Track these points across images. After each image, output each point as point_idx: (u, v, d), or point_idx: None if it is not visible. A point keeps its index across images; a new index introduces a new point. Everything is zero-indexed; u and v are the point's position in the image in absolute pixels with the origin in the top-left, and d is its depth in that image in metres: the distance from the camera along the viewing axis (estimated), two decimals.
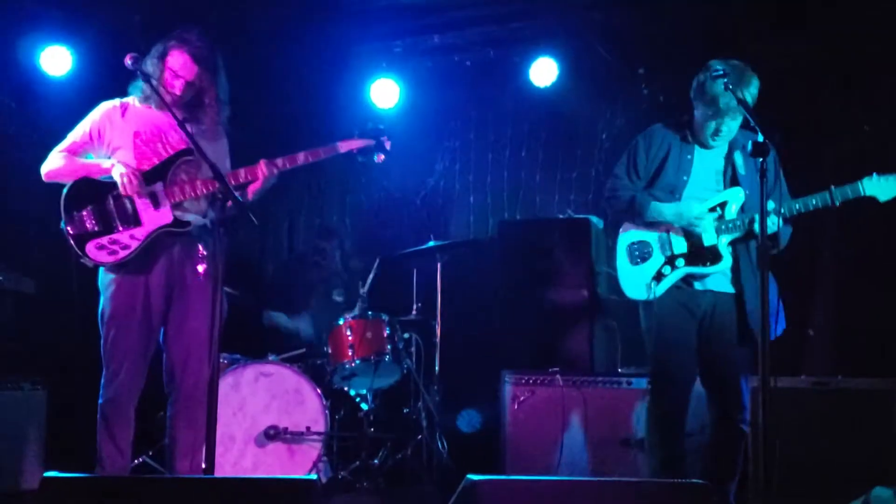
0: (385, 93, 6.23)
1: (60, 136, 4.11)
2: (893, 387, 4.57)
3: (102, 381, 3.91)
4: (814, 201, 3.82)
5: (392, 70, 6.23)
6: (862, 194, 3.79)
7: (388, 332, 5.31)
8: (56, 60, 5.66)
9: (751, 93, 3.85)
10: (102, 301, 3.94)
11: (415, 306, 5.60)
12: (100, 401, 3.91)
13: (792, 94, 5.39)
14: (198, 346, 3.94)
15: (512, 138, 6.41)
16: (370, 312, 5.37)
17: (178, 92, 3.96)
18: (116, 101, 4.08)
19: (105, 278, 3.95)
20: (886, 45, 5.27)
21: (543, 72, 5.99)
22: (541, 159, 6.33)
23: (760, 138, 3.55)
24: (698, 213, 3.95)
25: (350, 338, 5.26)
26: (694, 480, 2.92)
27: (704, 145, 4.03)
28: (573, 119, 6.21)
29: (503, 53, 6.17)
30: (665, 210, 4.00)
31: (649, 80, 5.96)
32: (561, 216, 5.87)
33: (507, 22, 5.93)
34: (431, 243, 5.62)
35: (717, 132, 3.95)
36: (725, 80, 3.69)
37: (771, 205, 3.81)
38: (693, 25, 5.59)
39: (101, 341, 3.93)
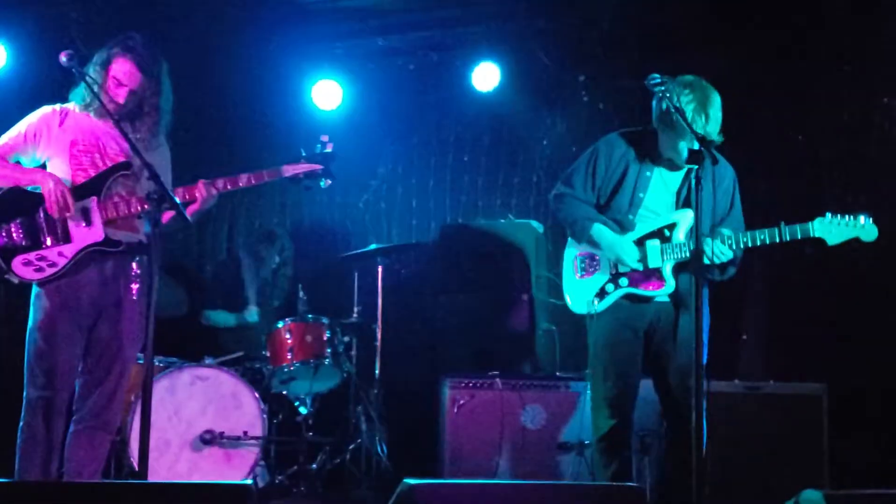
0: (327, 94, 6.19)
1: None
2: (823, 391, 4.69)
3: (26, 393, 3.76)
4: (762, 236, 3.79)
5: (334, 72, 6.20)
6: (811, 235, 3.75)
7: (328, 335, 5.29)
8: None
9: (714, 113, 3.79)
10: (34, 318, 3.79)
11: (355, 309, 5.59)
12: (24, 416, 3.75)
13: (729, 103, 5.48)
14: (118, 368, 3.84)
15: (455, 142, 6.44)
16: (310, 315, 5.34)
17: (120, 101, 3.81)
18: (56, 106, 3.91)
19: (38, 295, 3.80)
20: (819, 54, 5.40)
21: (486, 77, 6.02)
22: (483, 164, 6.36)
23: (696, 146, 3.58)
24: (628, 260, 3.92)
25: (289, 341, 5.22)
26: (628, 483, 2.96)
27: (673, 165, 3.95)
28: (515, 124, 6.25)
29: (446, 58, 6.18)
30: (604, 238, 3.96)
31: (589, 87, 6.03)
32: (502, 220, 5.90)
33: (450, 26, 5.95)
34: (373, 246, 5.61)
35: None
36: (693, 105, 3.69)
37: (727, 231, 3.83)
38: (632, 35, 5.66)
39: (26, 353, 3.78)
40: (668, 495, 3.93)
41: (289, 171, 3.98)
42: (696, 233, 3.46)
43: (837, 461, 4.64)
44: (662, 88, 3.69)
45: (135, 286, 3.84)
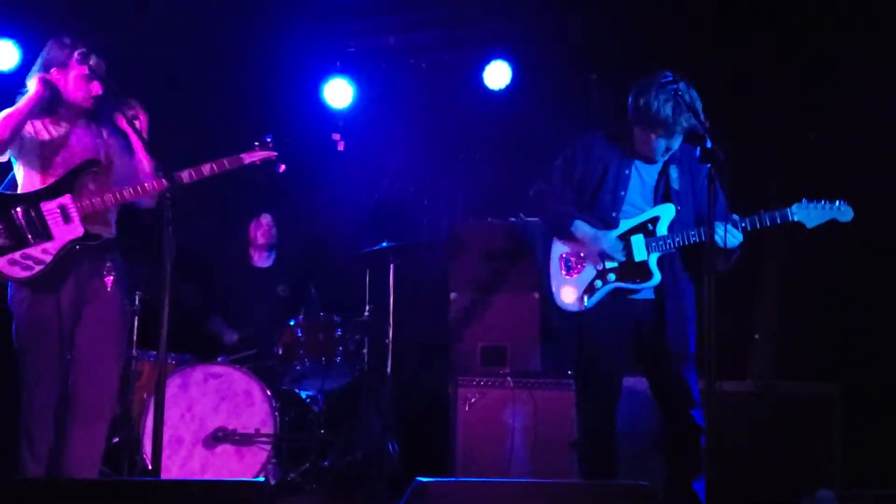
0: (338, 93, 6.20)
1: None
2: (836, 390, 4.67)
3: (23, 397, 3.82)
4: (743, 224, 3.83)
5: (346, 70, 6.21)
6: (790, 220, 3.82)
7: (339, 333, 5.30)
8: (3, 55, 5.56)
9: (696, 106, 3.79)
10: (16, 319, 3.86)
11: (367, 308, 5.59)
12: (21, 416, 3.82)
13: (742, 102, 5.48)
14: (105, 358, 3.88)
15: (466, 141, 6.43)
16: (322, 313, 5.35)
17: (99, 91, 3.88)
18: None
19: (16, 296, 3.86)
20: (832, 51, 5.38)
21: (497, 75, 6.02)
22: (494, 162, 6.35)
23: (709, 144, 3.58)
24: (610, 247, 3.94)
25: (301, 339, 5.23)
26: (639, 482, 2.95)
27: (648, 160, 3.98)
28: (526, 123, 6.23)
29: (458, 56, 6.17)
30: (585, 233, 3.98)
31: (602, 85, 6.01)
32: (513, 219, 5.89)
33: (461, 24, 5.94)
34: (384, 245, 5.61)
35: (667, 150, 3.92)
36: (678, 99, 3.69)
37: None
38: (645, 34, 5.65)
39: (19, 358, 3.84)
40: (672, 492, 3.93)
41: (247, 158, 4.05)
42: (709, 238, 3.47)
43: (851, 461, 4.62)
44: (674, 87, 3.70)
45: (109, 279, 3.89)
